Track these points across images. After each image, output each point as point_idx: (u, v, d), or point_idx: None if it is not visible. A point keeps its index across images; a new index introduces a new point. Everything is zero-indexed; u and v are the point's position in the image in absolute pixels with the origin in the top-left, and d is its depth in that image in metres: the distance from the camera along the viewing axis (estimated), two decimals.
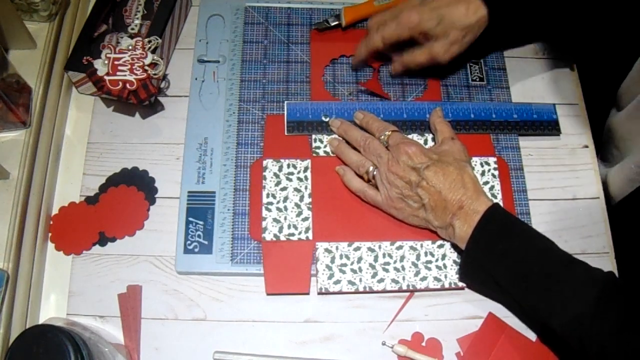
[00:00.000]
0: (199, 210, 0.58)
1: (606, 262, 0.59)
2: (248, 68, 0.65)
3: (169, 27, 0.65)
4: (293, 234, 0.57)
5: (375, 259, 0.56)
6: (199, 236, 0.57)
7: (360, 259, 0.56)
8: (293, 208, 0.58)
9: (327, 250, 0.57)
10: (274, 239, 0.57)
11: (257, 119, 0.63)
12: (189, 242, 0.57)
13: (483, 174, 0.61)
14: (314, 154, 0.61)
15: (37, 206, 0.57)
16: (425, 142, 0.62)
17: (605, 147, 0.67)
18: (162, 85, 0.64)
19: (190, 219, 0.58)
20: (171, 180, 0.60)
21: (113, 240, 0.58)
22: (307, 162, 0.60)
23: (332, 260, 0.56)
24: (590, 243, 0.60)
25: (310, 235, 0.57)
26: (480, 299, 0.57)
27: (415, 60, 0.61)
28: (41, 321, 0.54)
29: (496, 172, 0.61)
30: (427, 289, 0.56)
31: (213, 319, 0.55)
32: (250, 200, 0.59)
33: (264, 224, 0.57)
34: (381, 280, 0.56)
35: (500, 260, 0.50)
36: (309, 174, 0.60)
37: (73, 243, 0.57)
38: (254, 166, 0.60)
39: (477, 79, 0.67)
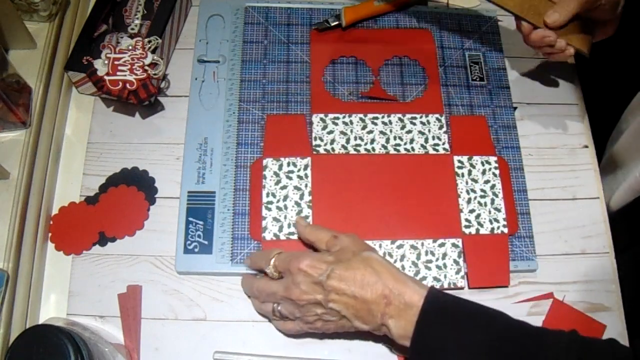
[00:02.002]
0: (199, 210, 0.58)
1: (606, 262, 0.59)
2: (248, 68, 0.65)
3: (169, 27, 0.65)
4: (293, 233, 0.57)
5: None
6: (199, 236, 0.57)
7: None
8: (293, 207, 0.58)
9: None
10: (274, 238, 0.57)
11: (257, 119, 0.63)
12: (189, 242, 0.57)
13: (484, 172, 0.61)
14: (315, 152, 0.61)
15: (37, 206, 0.57)
16: (426, 140, 0.62)
17: (607, 158, 0.67)
18: (162, 85, 0.64)
19: (190, 219, 0.58)
20: (171, 180, 0.60)
21: (113, 240, 0.58)
22: (308, 160, 0.60)
23: None
24: (590, 243, 0.60)
25: None
26: (479, 298, 0.57)
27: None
28: (41, 321, 0.54)
29: (497, 172, 0.61)
30: None
31: (213, 319, 0.55)
32: (250, 199, 0.59)
33: (264, 223, 0.57)
34: None
35: (456, 352, 0.44)
36: (309, 171, 0.60)
37: (73, 243, 0.57)
38: (253, 166, 0.60)
39: (477, 79, 0.67)
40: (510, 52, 0.69)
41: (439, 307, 0.46)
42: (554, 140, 0.65)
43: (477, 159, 0.61)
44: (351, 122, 0.62)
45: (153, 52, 0.60)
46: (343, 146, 0.61)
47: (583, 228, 0.61)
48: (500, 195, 0.60)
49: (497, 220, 0.59)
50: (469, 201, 0.60)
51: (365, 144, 0.61)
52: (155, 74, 0.59)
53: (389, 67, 0.66)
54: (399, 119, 0.63)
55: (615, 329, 0.57)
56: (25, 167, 0.56)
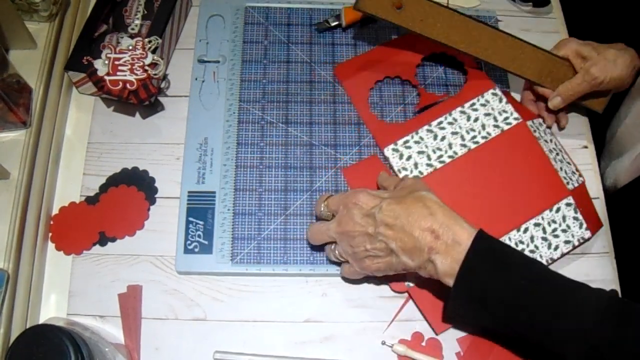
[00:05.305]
0: (199, 210, 0.58)
1: (606, 262, 0.59)
2: (248, 68, 0.65)
3: (169, 27, 0.65)
4: None
5: None
6: (199, 236, 0.57)
7: None
8: None
9: None
10: None
11: (257, 119, 0.63)
12: (189, 242, 0.57)
13: (545, 132, 0.62)
14: (402, 174, 0.59)
15: (38, 206, 0.57)
16: (495, 118, 0.60)
17: (613, 139, 0.67)
18: (162, 85, 0.64)
19: (191, 219, 0.58)
20: (171, 180, 0.60)
21: (113, 240, 0.58)
22: None
23: None
24: (590, 243, 0.60)
25: None
26: None
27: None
28: (41, 321, 0.54)
29: (549, 129, 0.63)
30: (562, 256, 0.56)
31: (213, 319, 0.55)
32: None
33: None
34: None
35: (498, 294, 0.45)
36: None
37: (73, 243, 0.57)
38: None
39: None
40: None
41: (487, 247, 0.46)
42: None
43: (536, 121, 0.62)
44: (421, 139, 0.60)
45: (153, 52, 0.60)
46: (428, 164, 0.59)
47: None
48: (563, 149, 0.62)
49: (574, 172, 0.60)
50: (555, 160, 0.59)
51: (446, 151, 0.59)
52: (155, 74, 0.60)
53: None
54: (461, 112, 0.61)
55: None
56: (26, 167, 0.56)
